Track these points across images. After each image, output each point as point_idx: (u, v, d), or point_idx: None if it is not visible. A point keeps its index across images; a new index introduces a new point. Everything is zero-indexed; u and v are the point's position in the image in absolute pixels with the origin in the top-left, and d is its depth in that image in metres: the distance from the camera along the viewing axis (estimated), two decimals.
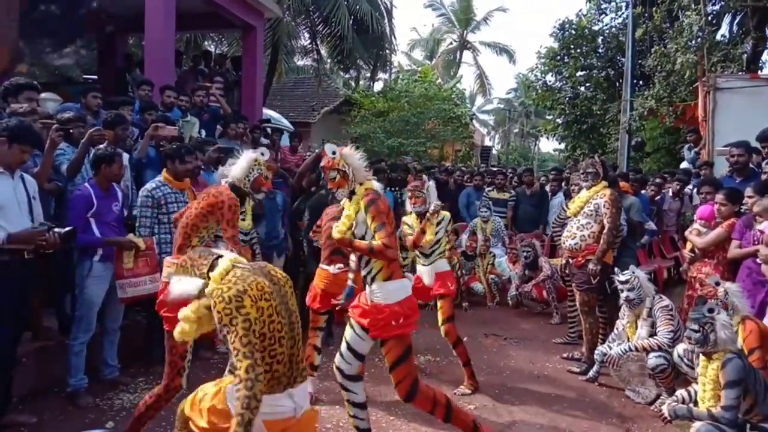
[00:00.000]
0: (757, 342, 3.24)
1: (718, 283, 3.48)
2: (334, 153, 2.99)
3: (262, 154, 3.50)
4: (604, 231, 4.47)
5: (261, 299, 1.94)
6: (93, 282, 3.78)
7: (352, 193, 2.99)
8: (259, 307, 1.92)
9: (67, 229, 3.22)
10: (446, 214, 4.33)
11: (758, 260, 3.65)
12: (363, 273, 2.99)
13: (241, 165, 3.36)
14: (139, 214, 4.18)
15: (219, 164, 5.28)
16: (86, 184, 3.86)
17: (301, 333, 2.15)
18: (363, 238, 2.93)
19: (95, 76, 9.66)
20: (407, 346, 2.94)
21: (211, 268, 2.03)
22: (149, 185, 4.25)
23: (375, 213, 2.83)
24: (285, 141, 8.74)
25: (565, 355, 5.05)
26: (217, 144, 5.66)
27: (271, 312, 1.96)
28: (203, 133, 6.42)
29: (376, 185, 3.09)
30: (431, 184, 4.35)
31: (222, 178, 3.57)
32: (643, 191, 6.76)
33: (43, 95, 5.06)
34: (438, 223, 4.20)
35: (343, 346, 3.10)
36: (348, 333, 3.08)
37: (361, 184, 2.98)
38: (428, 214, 4.05)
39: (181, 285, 2.03)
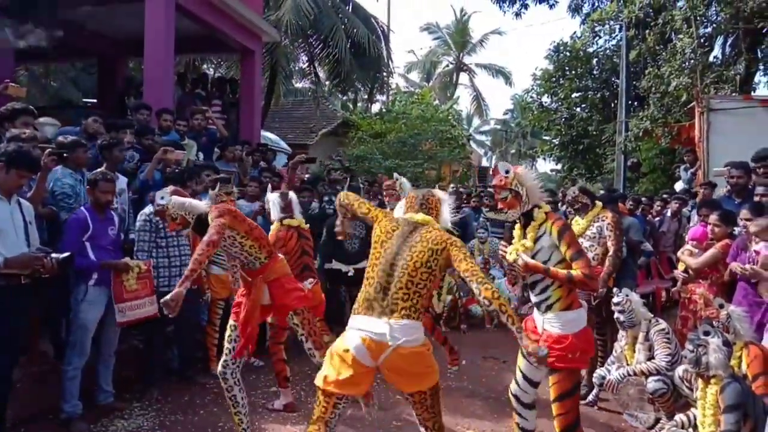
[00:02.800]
0: (761, 367, 3.21)
1: (722, 306, 3.47)
2: (507, 172, 2.91)
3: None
4: (609, 254, 4.45)
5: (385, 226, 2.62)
6: (87, 306, 3.76)
7: (525, 215, 2.92)
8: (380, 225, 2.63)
9: (64, 255, 3.22)
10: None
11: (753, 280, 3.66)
12: (535, 300, 2.93)
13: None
14: (138, 239, 4.19)
15: (214, 188, 5.30)
16: (82, 208, 3.87)
17: (402, 285, 2.43)
18: (545, 263, 2.85)
19: (95, 100, 9.74)
20: (577, 381, 2.91)
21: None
22: (147, 210, 4.26)
23: (570, 240, 2.80)
24: (281, 162, 8.78)
25: None
26: (214, 167, 5.68)
27: (377, 238, 2.58)
28: (201, 156, 6.45)
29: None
30: (404, 180, 4.36)
31: (214, 199, 3.65)
32: (637, 212, 6.79)
33: (41, 120, 5.10)
34: None
35: (519, 374, 3.08)
36: (522, 362, 3.05)
37: (538, 207, 2.89)
38: None
39: None
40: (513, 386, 3.11)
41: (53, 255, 3.17)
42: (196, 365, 4.84)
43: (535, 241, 2.89)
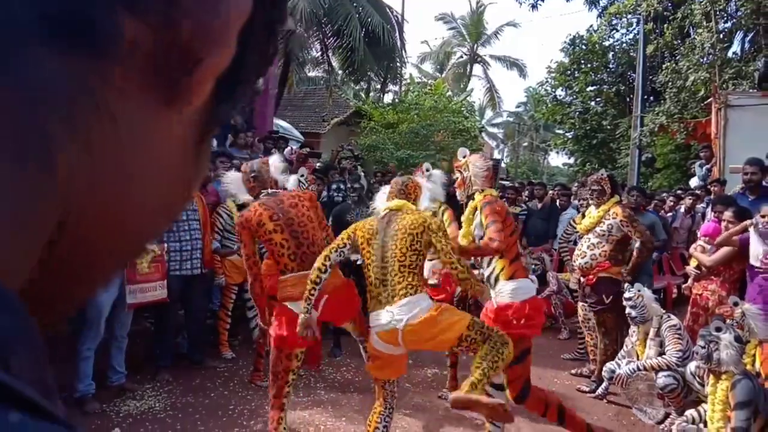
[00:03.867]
0: None
1: (736, 304, 3.45)
2: (463, 156, 3.29)
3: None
4: (636, 246, 4.43)
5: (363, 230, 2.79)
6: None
7: (469, 198, 3.23)
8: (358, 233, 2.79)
9: None
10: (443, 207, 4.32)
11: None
12: (486, 274, 3.16)
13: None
14: None
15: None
16: None
17: (395, 271, 2.68)
18: (481, 239, 3.09)
19: None
20: (525, 348, 3.03)
21: None
22: None
23: (489, 212, 3.01)
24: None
25: (573, 371, 5.01)
26: (227, 153, 5.71)
27: (363, 242, 2.75)
28: (214, 142, 6.48)
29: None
30: (434, 171, 4.36)
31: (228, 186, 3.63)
32: (649, 208, 6.73)
33: None
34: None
35: None
36: None
37: (481, 191, 3.15)
38: None
39: None
40: None
41: None
42: (207, 349, 4.89)
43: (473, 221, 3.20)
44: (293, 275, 2.97)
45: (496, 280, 3.08)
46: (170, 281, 4.15)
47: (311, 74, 18.37)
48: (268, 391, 3.06)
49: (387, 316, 2.60)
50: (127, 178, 0.27)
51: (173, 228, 4.31)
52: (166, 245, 4.22)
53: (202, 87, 0.28)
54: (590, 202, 4.65)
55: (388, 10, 14.86)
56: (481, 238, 3.06)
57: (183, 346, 4.80)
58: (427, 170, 3.39)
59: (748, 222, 3.91)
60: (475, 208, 3.14)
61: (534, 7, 17.61)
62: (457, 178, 3.26)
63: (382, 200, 2.98)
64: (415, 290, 2.64)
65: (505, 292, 3.04)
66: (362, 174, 7.29)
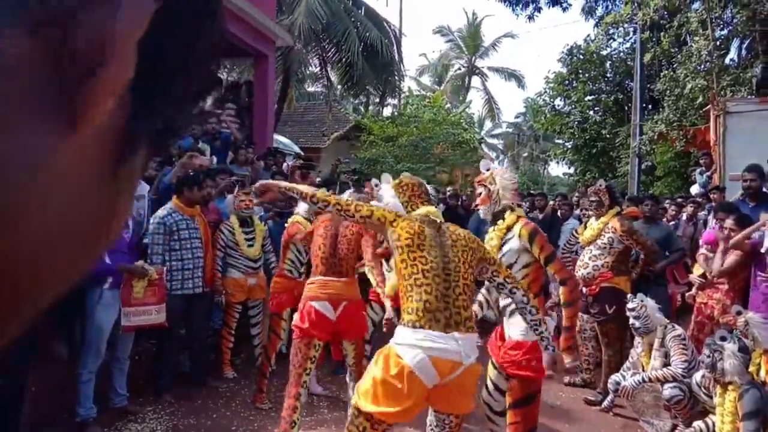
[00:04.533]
0: None
1: (740, 312, 3.43)
2: (487, 170, 3.00)
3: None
4: (641, 257, 4.48)
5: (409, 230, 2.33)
6: (102, 309, 3.78)
7: (495, 216, 2.97)
8: (401, 230, 2.33)
9: None
10: None
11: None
12: (503, 303, 2.92)
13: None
14: (152, 242, 4.21)
15: (230, 191, 5.33)
16: None
17: (460, 290, 2.28)
18: (510, 267, 2.85)
19: None
20: (533, 391, 2.84)
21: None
22: (160, 212, 4.29)
23: (543, 243, 2.84)
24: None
25: (566, 379, 4.98)
26: (228, 171, 5.72)
27: (411, 243, 2.29)
28: (214, 159, 6.49)
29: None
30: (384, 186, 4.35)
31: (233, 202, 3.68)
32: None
33: None
34: None
35: (488, 382, 3.09)
36: (491, 370, 3.08)
37: (512, 210, 2.94)
38: None
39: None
40: (484, 394, 3.11)
41: None
42: (209, 369, 4.86)
43: (503, 243, 2.92)
44: (320, 278, 3.33)
45: (512, 312, 2.80)
46: (172, 301, 4.13)
47: (310, 89, 18.48)
48: (288, 381, 3.26)
49: (454, 344, 2.12)
50: (21, 205, 0.24)
51: (176, 247, 4.30)
52: (166, 267, 4.19)
53: (100, 102, 0.26)
54: (590, 213, 4.65)
55: (385, 24, 14.97)
56: (510, 266, 2.82)
57: (185, 365, 4.76)
58: (487, 169, 3.08)
59: (765, 217, 3.86)
60: (509, 228, 2.88)
61: (531, 18, 17.70)
62: (480, 193, 2.97)
63: (391, 197, 2.63)
64: (473, 327, 2.25)
65: (518, 328, 2.79)
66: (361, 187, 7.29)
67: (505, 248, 2.91)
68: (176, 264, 4.32)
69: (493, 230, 2.99)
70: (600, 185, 4.72)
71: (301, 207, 4.22)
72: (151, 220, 4.30)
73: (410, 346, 2.11)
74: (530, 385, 2.81)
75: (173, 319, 4.17)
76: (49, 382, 3.94)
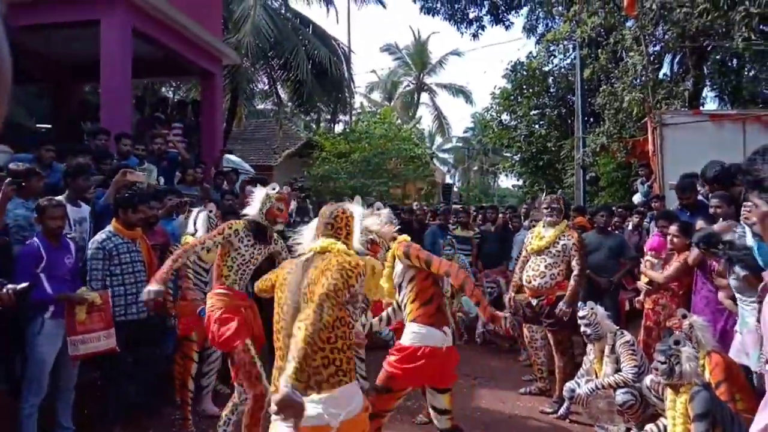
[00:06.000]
0: (722, 375, 3.30)
1: (685, 316, 3.56)
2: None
3: (273, 188, 3.65)
4: (574, 274, 4.56)
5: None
6: (45, 340, 3.59)
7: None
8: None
9: (22, 285, 3.05)
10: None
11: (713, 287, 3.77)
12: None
13: (255, 202, 3.53)
14: (90, 267, 4.00)
15: (178, 212, 5.18)
16: (35, 237, 3.70)
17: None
18: (401, 287, 3.20)
19: (49, 125, 9.45)
20: (389, 386, 3.07)
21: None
22: (99, 236, 4.08)
23: (416, 252, 3.11)
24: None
25: (522, 390, 5.06)
26: (176, 191, 5.56)
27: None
28: (161, 180, 6.31)
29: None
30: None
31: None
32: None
33: None
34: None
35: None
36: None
37: (394, 239, 3.26)
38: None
39: None
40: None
41: (9, 286, 3.00)
42: (159, 396, 4.66)
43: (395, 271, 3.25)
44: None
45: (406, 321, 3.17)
46: (116, 327, 3.93)
47: (260, 107, 18.30)
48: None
49: (314, 409, 2.05)
50: None
51: (116, 272, 4.09)
52: (109, 292, 3.98)
53: None
54: (547, 219, 4.76)
55: (334, 42, 15.04)
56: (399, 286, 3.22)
57: (133, 395, 4.55)
58: (378, 208, 3.49)
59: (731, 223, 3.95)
60: (394, 256, 3.21)
61: (475, 36, 18.21)
62: (371, 244, 3.40)
63: (308, 240, 2.45)
64: (343, 381, 2.19)
65: (407, 335, 3.10)
66: (311, 207, 7.25)
67: (397, 276, 3.22)
68: (118, 289, 4.06)
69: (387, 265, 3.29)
70: (560, 194, 4.93)
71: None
72: (89, 244, 4.08)
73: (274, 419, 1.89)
74: (389, 378, 3.07)
75: (119, 346, 3.97)
76: None
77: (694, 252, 4.12)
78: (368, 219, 3.18)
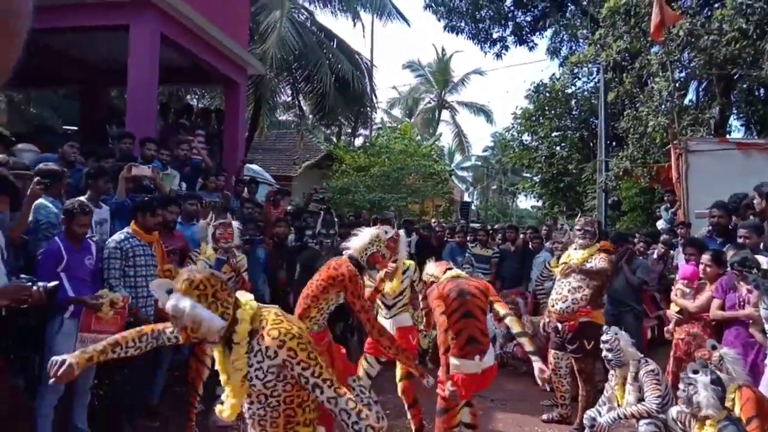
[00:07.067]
0: (754, 410, 3.17)
1: (714, 347, 3.45)
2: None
3: (386, 232, 3.56)
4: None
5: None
6: (63, 339, 3.58)
7: None
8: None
9: (53, 283, 3.03)
10: (411, 263, 4.28)
11: (745, 319, 3.65)
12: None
13: (362, 239, 3.37)
14: (108, 266, 4.00)
15: (198, 217, 5.18)
16: (56, 238, 3.71)
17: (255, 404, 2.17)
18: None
19: (76, 127, 9.59)
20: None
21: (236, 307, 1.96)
22: (117, 236, 4.10)
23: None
24: (261, 194, 8.68)
25: (544, 417, 4.92)
26: (198, 197, 5.58)
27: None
28: (184, 186, 6.34)
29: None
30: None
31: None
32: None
33: (19, 146, 4.96)
34: (403, 272, 4.14)
35: None
36: None
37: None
38: (390, 265, 3.92)
39: (201, 313, 1.88)
40: None
41: (40, 284, 2.98)
42: (171, 398, 4.63)
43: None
44: None
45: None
46: (126, 328, 3.90)
47: (282, 118, 18.45)
48: None
49: None
50: None
51: (129, 273, 4.08)
52: (129, 296, 3.97)
53: None
54: (580, 242, 4.67)
55: (357, 57, 15.14)
56: None
57: (150, 397, 4.53)
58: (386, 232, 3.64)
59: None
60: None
61: (498, 56, 18.24)
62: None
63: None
64: None
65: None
66: (336, 220, 7.24)
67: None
68: (129, 291, 4.07)
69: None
70: (594, 217, 4.87)
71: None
72: (107, 244, 4.09)
73: None
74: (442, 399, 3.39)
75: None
76: (4, 417, 3.67)
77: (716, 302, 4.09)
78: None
